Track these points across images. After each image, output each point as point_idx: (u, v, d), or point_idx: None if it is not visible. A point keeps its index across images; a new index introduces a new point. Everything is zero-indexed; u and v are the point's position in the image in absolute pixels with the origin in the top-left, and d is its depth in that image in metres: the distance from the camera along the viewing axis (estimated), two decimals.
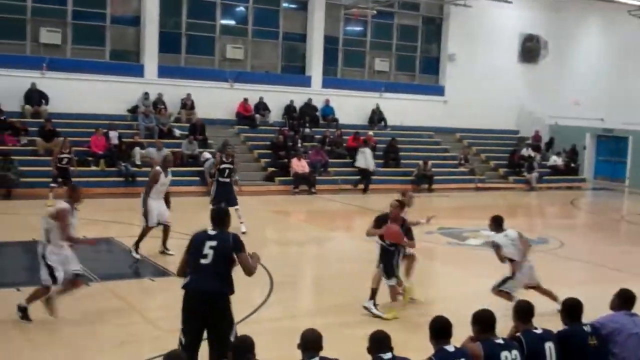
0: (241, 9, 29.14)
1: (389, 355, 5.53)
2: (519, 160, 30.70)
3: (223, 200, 15.73)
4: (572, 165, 32.26)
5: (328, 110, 29.51)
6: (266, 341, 7.35)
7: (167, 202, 18.26)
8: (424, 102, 31.58)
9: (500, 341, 5.84)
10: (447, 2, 31.84)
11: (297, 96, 28.75)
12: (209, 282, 6.63)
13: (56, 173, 19.70)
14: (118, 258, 12.82)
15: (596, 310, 6.91)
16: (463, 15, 31.70)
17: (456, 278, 13.09)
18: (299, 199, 23.79)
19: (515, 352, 5.78)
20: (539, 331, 6.13)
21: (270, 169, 25.65)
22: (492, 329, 5.91)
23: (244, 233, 15.20)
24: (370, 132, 28.52)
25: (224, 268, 6.73)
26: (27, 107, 24.11)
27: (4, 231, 15.29)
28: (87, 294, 10.70)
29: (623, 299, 6.81)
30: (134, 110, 25.74)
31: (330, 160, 26.58)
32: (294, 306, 11.05)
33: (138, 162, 23.33)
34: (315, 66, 29.65)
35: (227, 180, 16.16)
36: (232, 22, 29.16)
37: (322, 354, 5.56)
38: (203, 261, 6.68)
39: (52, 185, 19.56)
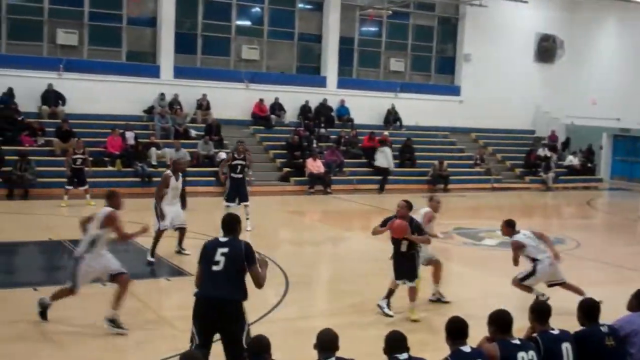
0: (257, 9, 29.19)
1: (405, 355, 5.52)
2: (535, 160, 30.57)
3: (236, 196, 15.99)
4: (589, 165, 32.08)
5: (343, 110, 29.50)
6: (282, 341, 7.37)
7: (183, 202, 18.37)
8: (440, 102, 31.50)
9: (517, 342, 5.81)
10: (463, 2, 31.76)
11: (313, 96, 28.76)
12: (221, 288, 6.60)
13: (70, 174, 19.79)
14: (134, 258, 12.84)
15: (613, 311, 6.88)
16: (479, 15, 31.60)
17: (472, 278, 13.05)
18: (314, 199, 23.80)
19: (532, 353, 5.75)
20: (555, 332, 6.10)
21: (286, 169, 25.68)
22: (509, 329, 5.88)
23: (248, 231, 15.47)
24: (386, 132, 28.47)
25: (235, 274, 6.70)
26: (44, 107, 24.26)
27: (21, 231, 15.39)
28: (104, 294, 10.74)
29: None
30: (150, 110, 25.84)
31: (345, 161, 26.57)
32: (309, 306, 11.05)
33: (154, 163, 23.43)
34: (330, 66, 29.65)
35: (240, 176, 16.29)
36: (247, 23, 29.21)
37: (338, 354, 5.56)
38: (215, 268, 6.67)
39: (67, 187, 19.65)
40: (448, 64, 33.11)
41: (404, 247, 9.84)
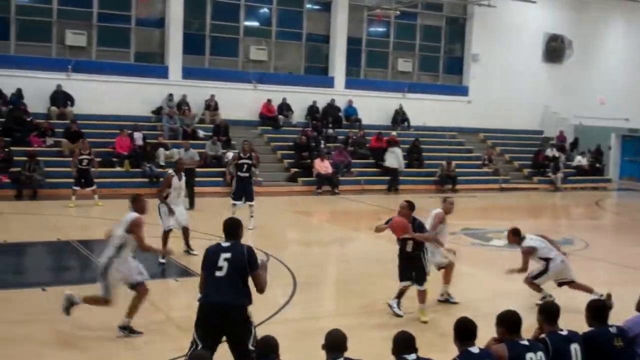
0: (265, 10, 29.22)
1: (413, 356, 5.52)
2: (544, 160, 30.50)
3: (242, 195, 16.33)
4: (597, 165, 32.00)
5: (351, 110, 29.50)
6: (289, 342, 7.37)
7: (192, 202, 18.46)
8: (448, 103, 31.47)
9: (526, 342, 5.79)
10: (471, 2, 31.72)
11: (320, 97, 28.77)
12: (225, 294, 6.55)
13: (76, 175, 19.83)
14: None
15: (622, 311, 6.85)
16: (487, 15, 31.56)
17: (480, 279, 13.02)
18: (321, 200, 23.80)
19: (540, 354, 5.73)
20: (564, 332, 6.08)
21: (293, 170, 25.70)
22: (518, 330, 5.86)
23: (249, 229, 15.71)
24: (394, 133, 28.46)
25: (239, 279, 6.65)
26: (53, 108, 24.34)
27: (30, 231, 15.44)
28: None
29: None
30: (158, 111, 25.90)
31: (353, 161, 26.58)
32: (317, 307, 11.04)
33: (162, 163, 23.46)
34: (338, 67, 29.65)
35: (246, 175, 16.62)
36: (255, 24, 29.23)
37: (347, 354, 5.56)
38: (218, 274, 6.62)
39: (75, 187, 19.71)
40: (456, 64, 33.07)
41: (409, 247, 9.79)
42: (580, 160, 31.64)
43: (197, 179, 20.40)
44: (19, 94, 23.73)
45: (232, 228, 6.95)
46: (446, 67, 32.96)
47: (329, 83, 29.58)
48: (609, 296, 10.16)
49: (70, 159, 20.46)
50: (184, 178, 13.53)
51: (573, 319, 6.76)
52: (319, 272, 13.66)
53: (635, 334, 6.39)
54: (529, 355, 5.68)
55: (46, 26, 25.06)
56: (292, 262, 13.15)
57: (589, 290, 10.53)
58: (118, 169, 23.06)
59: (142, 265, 9.13)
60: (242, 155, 16.79)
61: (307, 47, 29.87)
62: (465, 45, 32.82)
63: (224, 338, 6.69)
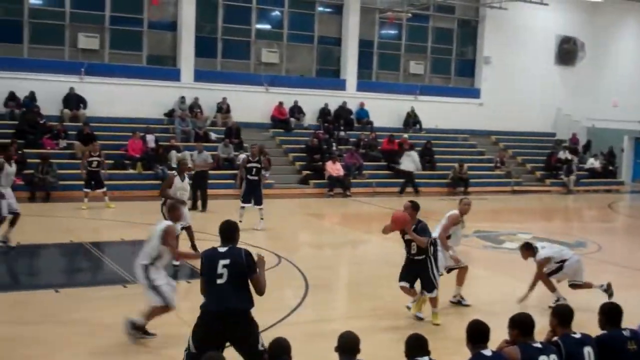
0: (276, 13, 29.26)
1: (425, 359, 5.51)
2: (556, 163, 30.39)
3: (251, 198, 16.65)
4: (610, 168, 31.85)
5: (363, 113, 29.50)
6: (301, 344, 7.36)
7: (204, 204, 18.52)
8: (460, 105, 31.41)
9: (538, 345, 5.76)
10: (483, 5, 31.66)
11: (332, 99, 28.78)
12: (228, 301, 6.47)
13: (86, 177, 19.90)
14: None
15: (635, 315, 6.82)
16: (499, 17, 31.52)
17: (493, 282, 12.98)
18: (333, 202, 23.81)
19: (553, 357, 5.71)
20: (577, 335, 6.05)
21: (305, 172, 25.72)
22: (531, 332, 5.84)
23: (257, 230, 16.14)
24: (405, 135, 28.45)
25: (240, 284, 6.56)
26: (66, 111, 24.46)
27: (43, 233, 15.50)
28: (124, 296, 10.83)
29: None
30: (170, 114, 25.98)
31: (364, 163, 26.57)
32: (329, 309, 11.03)
33: (174, 165, 23.45)
34: (350, 69, 29.66)
35: (255, 178, 16.87)
36: (267, 27, 29.27)
37: (359, 357, 5.55)
38: (219, 281, 6.51)
39: (86, 189, 19.78)
40: (468, 66, 33.02)
41: (413, 249, 9.69)
42: (593, 162, 31.53)
43: (209, 181, 20.48)
44: (32, 97, 23.86)
45: (228, 231, 6.81)
46: (458, 70, 32.91)
47: (341, 85, 29.59)
48: (609, 286, 10.65)
49: (86, 162, 20.47)
50: (187, 179, 13.45)
51: (588, 322, 6.73)
52: (330, 274, 13.65)
53: None
54: (542, 358, 5.65)
55: (59, 29, 25.18)
56: (303, 264, 13.16)
57: (589, 286, 10.85)
58: (130, 171, 23.15)
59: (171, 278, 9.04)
60: (250, 159, 17.08)
61: (319, 49, 29.89)
62: (477, 48, 32.76)
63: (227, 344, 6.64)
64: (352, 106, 29.30)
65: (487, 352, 5.56)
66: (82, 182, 19.97)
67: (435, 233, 10.44)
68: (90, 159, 19.94)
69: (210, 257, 6.66)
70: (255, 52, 28.43)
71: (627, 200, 30.13)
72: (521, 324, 5.87)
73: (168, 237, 8.58)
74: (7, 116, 23.58)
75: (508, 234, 17.66)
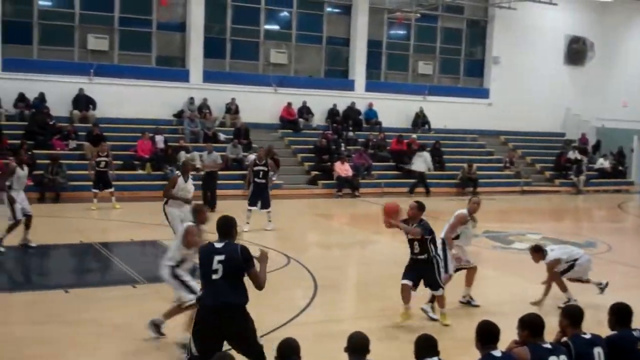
0: (285, 14, 29.28)
1: (435, 359, 5.50)
2: (566, 163, 30.31)
3: (258, 200, 16.71)
4: (620, 168, 31.73)
5: (371, 113, 29.48)
6: (311, 344, 7.37)
7: (213, 204, 18.55)
8: (468, 105, 31.35)
9: (548, 346, 5.74)
10: (492, 5, 31.61)
11: (341, 100, 28.78)
12: (224, 296, 6.48)
13: (94, 177, 19.96)
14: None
15: None
16: (508, 17, 31.46)
17: (502, 282, 12.95)
18: (342, 202, 23.81)
19: (563, 357, 5.69)
20: (587, 336, 6.03)
21: (314, 173, 25.74)
22: (541, 333, 5.82)
23: (267, 230, 16.28)
24: (414, 135, 28.43)
25: (235, 280, 6.57)
26: (75, 112, 24.54)
27: (53, 234, 15.55)
28: (134, 296, 10.86)
29: None
30: (179, 114, 26.04)
31: (373, 164, 26.56)
32: (338, 309, 11.02)
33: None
34: (358, 70, 29.65)
35: (263, 181, 16.88)
36: (276, 27, 29.30)
37: (369, 357, 5.54)
38: (214, 277, 6.53)
39: (94, 190, 19.84)
40: (477, 66, 32.97)
41: (416, 248, 9.62)
42: (603, 162, 31.43)
43: (218, 181, 20.52)
44: (41, 98, 23.95)
45: (225, 227, 6.80)
46: (467, 70, 32.86)
47: (349, 86, 29.59)
48: (606, 284, 10.91)
49: (94, 162, 20.50)
50: (191, 180, 13.27)
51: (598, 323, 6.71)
52: (339, 274, 13.66)
53: None
54: (552, 358, 5.63)
55: (68, 30, 25.27)
56: (312, 264, 13.17)
57: (587, 281, 11.12)
58: (140, 171, 23.20)
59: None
60: (257, 161, 17.10)
61: (328, 50, 29.89)
62: (486, 48, 32.69)
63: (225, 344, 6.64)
64: (361, 106, 29.29)
65: (497, 353, 5.54)
66: (91, 183, 20.03)
67: (442, 233, 10.44)
68: (99, 159, 20.00)
69: (206, 253, 6.69)
70: (263, 53, 28.46)
71: (637, 200, 29.99)
72: (531, 325, 5.85)
73: (188, 236, 8.45)
74: (17, 117, 23.69)
75: (517, 235, 17.63)
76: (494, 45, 32.29)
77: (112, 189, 19.96)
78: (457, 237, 10.62)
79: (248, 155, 23.98)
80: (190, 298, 8.41)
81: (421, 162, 26.31)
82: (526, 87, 31.92)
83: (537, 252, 10.95)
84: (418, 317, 9.90)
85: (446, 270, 10.30)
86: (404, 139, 27.81)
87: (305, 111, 28.10)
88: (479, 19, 32.72)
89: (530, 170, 30.59)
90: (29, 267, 13.74)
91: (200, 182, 19.64)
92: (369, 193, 25.07)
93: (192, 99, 26.12)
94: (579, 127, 33.43)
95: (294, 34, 29.06)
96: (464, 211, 10.67)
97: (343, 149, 26.75)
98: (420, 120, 30.28)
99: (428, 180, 26.35)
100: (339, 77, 30.06)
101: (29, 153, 21.52)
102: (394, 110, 29.71)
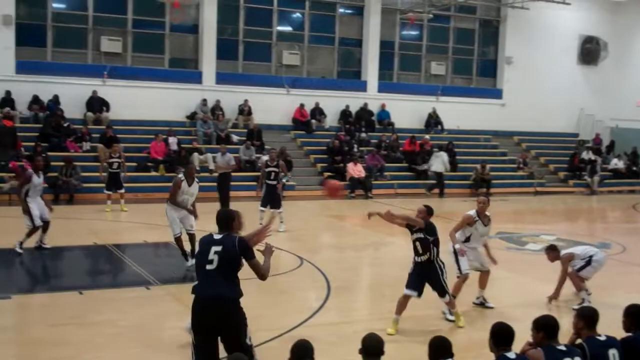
0: (297, 15, 29.31)
1: None
2: (579, 163, 30.19)
3: (269, 202, 16.87)
4: (634, 168, 31.55)
5: (384, 114, 29.46)
6: (325, 346, 7.38)
7: (227, 204, 18.54)
8: (481, 105, 31.28)
9: (563, 347, 5.73)
10: (505, 5, 31.52)
11: (353, 101, 28.78)
12: (215, 287, 6.50)
13: (106, 179, 19.99)
14: (177, 262, 12.96)
15: None
16: (521, 17, 31.36)
17: (516, 283, 12.90)
18: (354, 204, 23.77)
19: (577, 359, 5.68)
20: (602, 338, 6.01)
21: (327, 174, 25.71)
22: (556, 335, 5.81)
23: (280, 232, 16.26)
24: (427, 136, 28.40)
25: (229, 273, 6.59)
26: (89, 114, 24.66)
27: (67, 235, 15.62)
28: (148, 297, 10.90)
29: None
30: (192, 116, 26.11)
31: (386, 165, 26.54)
32: (351, 310, 11.03)
33: (197, 168, 23.62)
34: (371, 71, 29.63)
35: (274, 182, 17.07)
36: (288, 29, 29.33)
37: (383, 359, 5.54)
38: (209, 267, 6.56)
39: (107, 192, 19.91)
40: (490, 67, 32.88)
41: (419, 249, 9.49)
42: (617, 163, 31.28)
43: (232, 183, 20.54)
44: (55, 100, 24.09)
45: (225, 219, 6.85)
46: (480, 70, 32.78)
47: (362, 87, 29.58)
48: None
49: (105, 163, 20.55)
50: (196, 184, 12.90)
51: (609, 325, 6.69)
52: (352, 276, 13.66)
53: None
54: None
55: (82, 33, 25.39)
56: (325, 266, 13.17)
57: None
58: (153, 173, 23.28)
59: None
60: (269, 163, 17.31)
61: (340, 51, 29.90)
62: (499, 48, 32.60)
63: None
64: (374, 107, 29.28)
65: (511, 355, 5.53)
66: (104, 185, 20.10)
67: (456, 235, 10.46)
68: (111, 160, 20.07)
69: (204, 242, 6.74)
70: (276, 54, 28.50)
71: None
72: (546, 327, 5.83)
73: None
74: (31, 119, 23.82)
75: (531, 236, 17.56)
76: (506, 45, 32.19)
77: (122, 190, 20.01)
78: (467, 240, 10.57)
79: (261, 156, 24.01)
80: None
81: (439, 163, 26.30)
82: (539, 87, 31.80)
83: (553, 250, 10.99)
84: (432, 318, 9.90)
85: (460, 272, 10.31)
86: (416, 140, 27.78)
87: (317, 112, 28.11)
88: (491, 19, 32.64)
89: (543, 170, 30.47)
90: (44, 269, 13.81)
91: (215, 184, 19.72)
92: (381, 194, 25.04)
93: (205, 100, 26.19)
94: (592, 127, 33.29)
95: (307, 35, 29.08)
96: (471, 212, 10.63)
97: (356, 150, 26.74)
98: (433, 121, 30.24)
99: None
100: (351, 78, 30.06)
101: (43, 155, 21.67)
102: (406, 111, 29.68)
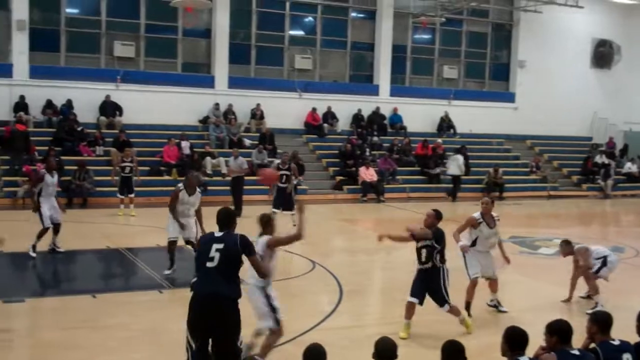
0: (310, 19, 29.34)
1: None
2: (593, 167, 30.06)
3: (280, 205, 17.20)
4: None
5: (396, 118, 29.44)
6: (337, 349, 7.35)
7: (239, 209, 18.57)
8: (494, 109, 31.22)
9: (576, 352, 5.69)
10: (517, 8, 31.44)
11: (365, 105, 28.77)
12: (216, 285, 6.52)
13: (118, 183, 20.05)
14: (189, 266, 12.95)
15: None
16: (533, 21, 31.28)
17: (528, 287, 12.86)
18: (367, 207, 23.76)
19: None
20: (616, 342, 5.97)
21: (339, 178, 25.73)
22: (569, 339, 5.76)
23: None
24: (439, 140, 28.36)
25: (230, 271, 6.61)
26: (102, 118, 24.76)
27: (80, 239, 15.68)
28: (160, 301, 10.92)
29: None
30: (205, 120, 26.18)
31: (398, 169, 26.51)
32: (364, 314, 11.02)
33: (209, 172, 23.73)
34: (383, 75, 29.63)
35: (285, 185, 17.45)
36: (300, 33, 29.36)
37: None
38: (209, 264, 6.58)
39: (120, 195, 19.96)
40: (502, 70, 32.80)
41: (423, 257, 9.46)
42: (630, 166, 31.13)
43: (244, 187, 20.57)
44: (69, 105, 24.21)
45: (226, 218, 6.89)
46: (492, 74, 32.70)
47: (374, 91, 29.56)
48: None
49: (118, 168, 20.58)
50: (198, 193, 12.41)
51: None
52: (364, 280, 13.64)
53: None
54: None
55: (95, 38, 25.52)
56: (337, 270, 13.16)
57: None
58: (166, 177, 23.33)
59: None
60: (280, 166, 17.67)
61: (352, 55, 29.90)
62: (512, 52, 32.53)
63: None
64: (386, 111, 29.26)
65: (525, 359, 5.50)
66: (117, 189, 20.16)
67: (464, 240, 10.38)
68: (123, 164, 20.11)
69: (205, 240, 6.79)
70: (288, 59, 28.53)
71: None
72: (560, 331, 5.79)
73: (272, 244, 7.73)
74: (44, 124, 23.94)
75: (544, 240, 17.48)
76: (519, 48, 32.12)
77: (132, 195, 20.03)
78: (474, 244, 10.48)
79: (273, 160, 24.02)
80: (270, 325, 7.58)
81: (455, 166, 26.27)
82: (552, 90, 31.70)
83: (568, 244, 11.02)
84: (444, 322, 9.85)
85: (469, 276, 10.28)
86: (429, 144, 27.75)
87: (330, 116, 28.12)
88: (504, 23, 32.56)
89: (557, 174, 30.37)
90: (57, 272, 13.87)
91: (229, 188, 19.79)
92: (394, 198, 25.02)
93: (217, 104, 26.25)
94: (606, 130, 33.16)
95: (319, 39, 29.10)
96: (475, 214, 10.53)
97: (368, 154, 26.73)
98: (445, 125, 30.19)
99: (450, 185, 26.27)
100: (363, 82, 30.06)
101: (57, 159, 21.77)
102: (419, 115, 29.65)
